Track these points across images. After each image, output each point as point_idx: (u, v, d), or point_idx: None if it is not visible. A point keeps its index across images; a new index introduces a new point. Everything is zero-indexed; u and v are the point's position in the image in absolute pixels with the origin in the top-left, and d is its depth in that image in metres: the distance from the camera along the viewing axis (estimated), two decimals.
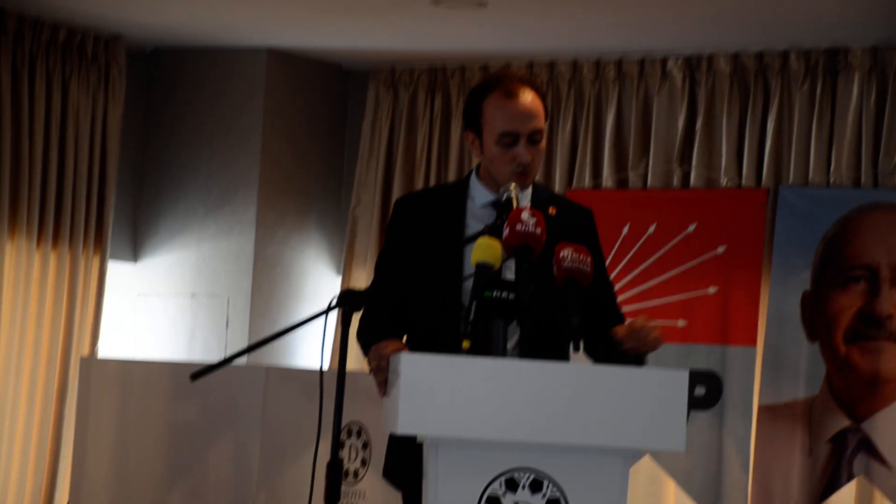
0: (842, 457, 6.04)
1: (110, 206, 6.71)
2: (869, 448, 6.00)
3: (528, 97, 3.45)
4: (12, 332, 6.25)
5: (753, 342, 6.23)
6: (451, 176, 7.07)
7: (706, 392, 6.24)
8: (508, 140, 3.44)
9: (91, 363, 5.48)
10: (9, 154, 6.25)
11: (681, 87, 6.70)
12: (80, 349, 6.50)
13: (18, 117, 6.33)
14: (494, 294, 3.16)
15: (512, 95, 3.44)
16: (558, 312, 3.24)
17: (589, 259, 3.27)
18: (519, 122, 3.43)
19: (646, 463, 6.32)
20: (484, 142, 3.49)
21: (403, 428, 3.01)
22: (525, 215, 3.24)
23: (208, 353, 6.84)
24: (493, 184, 3.52)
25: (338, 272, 7.34)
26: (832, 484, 6.05)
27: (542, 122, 3.46)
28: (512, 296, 3.17)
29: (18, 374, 6.26)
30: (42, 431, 6.31)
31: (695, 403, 6.18)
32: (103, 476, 5.19)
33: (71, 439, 6.01)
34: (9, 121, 6.26)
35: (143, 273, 7.10)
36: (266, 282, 6.97)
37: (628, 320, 3.41)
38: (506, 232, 3.24)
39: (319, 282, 7.26)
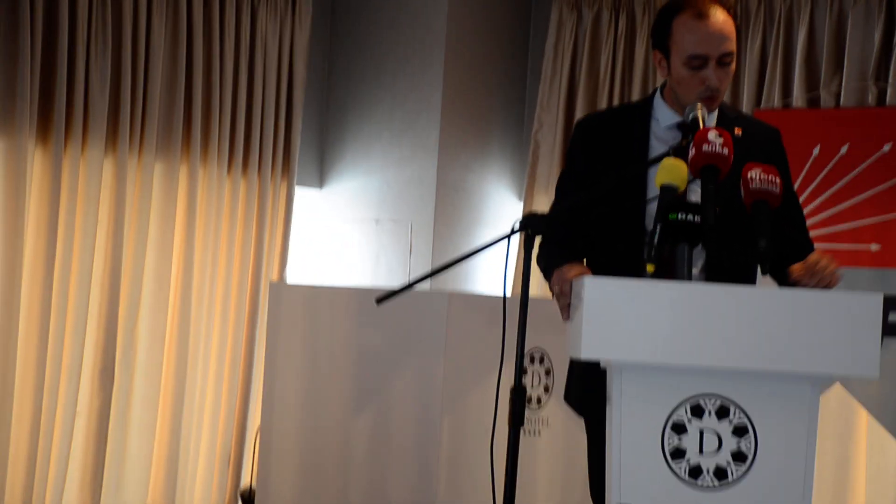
0: None
1: (297, 133, 6.79)
2: None
3: (719, 18, 3.36)
4: (205, 258, 6.39)
5: None
6: (635, 98, 6.94)
7: None
8: (697, 63, 3.36)
9: (280, 288, 5.58)
10: (201, 82, 6.36)
11: None
12: (270, 274, 6.62)
13: (209, 45, 6.42)
14: (679, 216, 3.10)
15: (703, 16, 3.36)
16: (746, 235, 3.16)
17: (778, 180, 3.18)
18: (709, 44, 3.35)
19: (836, 391, 6.17)
20: (672, 62, 3.41)
21: (587, 353, 2.99)
22: (712, 135, 3.17)
23: (392, 279, 6.90)
24: (679, 105, 3.44)
25: (519, 197, 7.31)
26: None
27: (732, 45, 3.37)
28: (698, 218, 3.10)
29: (211, 298, 6.41)
30: (234, 354, 6.47)
31: (890, 330, 5.99)
32: (293, 400, 5.30)
33: (262, 362, 6.15)
34: (201, 49, 6.36)
35: (328, 199, 7.18)
36: (448, 207, 6.98)
37: (807, 257, 3.30)
38: (691, 152, 3.17)
39: (501, 207, 7.25)
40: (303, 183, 7.03)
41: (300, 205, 6.95)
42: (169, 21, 6.27)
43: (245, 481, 6.43)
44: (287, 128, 6.75)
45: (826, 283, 3.23)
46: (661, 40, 3.44)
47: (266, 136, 6.63)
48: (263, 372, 5.51)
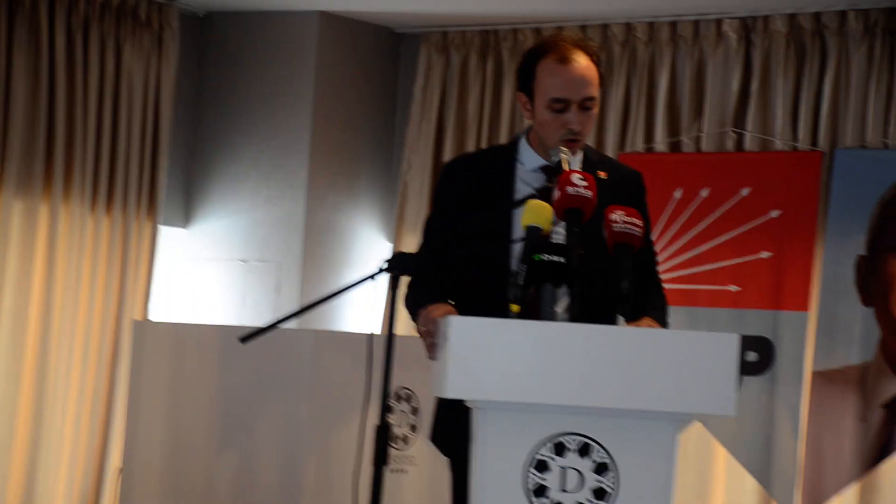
0: (895, 422, 5.98)
1: (163, 172, 6.74)
2: None
3: (581, 63, 3.42)
4: (66, 296, 6.30)
5: (807, 307, 6.17)
6: (503, 140, 7.03)
7: (758, 358, 6.19)
8: (559, 106, 3.41)
9: (144, 326, 5.51)
10: (63, 118, 6.28)
11: (736, 48, 6.62)
12: (133, 313, 6.54)
13: (72, 82, 6.35)
14: (544, 257, 3.14)
15: (565, 61, 3.41)
16: (608, 276, 3.21)
17: (640, 223, 3.24)
18: (571, 88, 3.40)
19: (696, 429, 6.29)
20: (535, 106, 3.46)
21: (452, 392, 3.01)
22: (576, 178, 3.22)
23: (260, 319, 6.87)
24: (543, 148, 3.49)
25: (388, 237, 7.34)
26: (885, 450, 6.00)
27: (594, 90, 3.42)
28: (562, 259, 3.15)
29: (72, 337, 6.32)
30: (96, 395, 6.37)
31: (747, 369, 6.13)
32: (156, 439, 5.23)
33: (124, 402, 6.06)
34: (63, 85, 6.28)
35: (194, 238, 7.13)
36: (317, 247, 6.98)
37: (640, 320, 3.33)
38: (556, 195, 3.22)
39: (370, 247, 7.26)
40: (168, 222, 6.97)
41: (166, 244, 6.89)
42: (30, 56, 6.19)
43: None
44: (152, 166, 6.69)
45: None
46: (525, 84, 3.49)
47: (131, 175, 6.56)
48: (126, 411, 5.43)
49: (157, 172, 6.70)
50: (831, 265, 6.15)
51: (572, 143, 3.42)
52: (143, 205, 6.64)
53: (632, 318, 3.22)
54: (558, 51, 3.42)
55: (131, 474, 5.30)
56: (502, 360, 2.99)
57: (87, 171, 6.39)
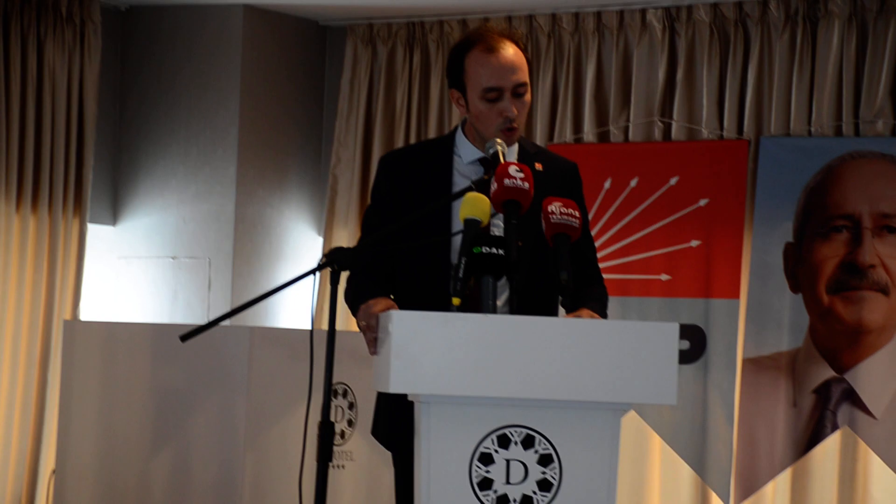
0: (826, 407, 6.07)
1: (89, 169, 6.66)
2: (853, 398, 6.02)
3: (509, 51, 3.44)
4: None
5: (737, 295, 6.23)
6: (432, 132, 7.03)
7: (690, 346, 6.25)
8: (493, 95, 3.43)
9: (74, 326, 5.45)
10: None
11: (661, 38, 6.67)
12: (63, 313, 6.46)
13: None
14: (483, 250, 3.14)
15: (493, 50, 3.43)
16: (547, 267, 3.23)
17: (577, 213, 3.26)
18: (502, 76, 3.42)
19: (631, 418, 6.34)
20: (469, 99, 3.47)
21: (395, 387, 3.00)
22: (513, 170, 3.22)
23: (191, 315, 6.82)
24: (480, 140, 3.50)
25: (319, 232, 7.31)
26: (817, 435, 6.08)
27: (525, 75, 3.45)
28: (501, 251, 3.15)
29: (1, 338, 6.23)
30: (26, 396, 6.29)
31: (679, 357, 6.19)
32: (89, 439, 5.18)
33: (56, 403, 5.99)
34: None
35: (123, 236, 7.06)
36: (247, 242, 6.94)
37: (579, 311, 3.35)
38: (494, 187, 3.22)
39: (301, 241, 7.24)
40: (96, 220, 6.90)
41: (94, 242, 6.81)
42: None
43: None
44: (78, 163, 6.61)
45: None
46: (456, 79, 3.50)
47: (56, 172, 6.48)
48: (58, 412, 5.37)
49: (84, 169, 6.63)
50: (760, 253, 6.22)
51: (509, 131, 3.44)
52: (70, 202, 6.56)
53: (572, 310, 3.23)
54: (485, 41, 3.45)
55: (64, 476, 5.24)
56: (445, 355, 2.99)
57: (11, 169, 6.30)
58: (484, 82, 3.42)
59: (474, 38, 3.47)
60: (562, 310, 3.34)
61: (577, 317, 3.27)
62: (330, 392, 3.09)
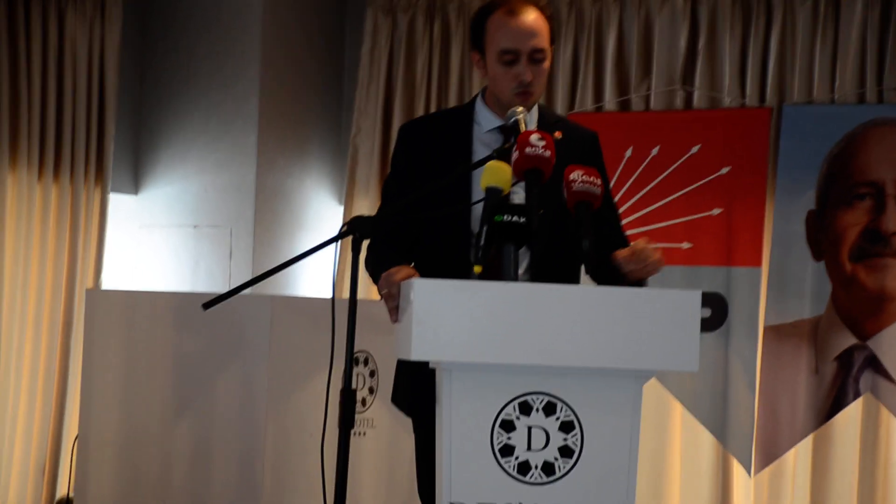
0: (848, 375, 6.05)
1: (110, 138, 6.67)
2: (875, 365, 6.01)
3: (530, 15, 3.45)
4: (16, 266, 6.24)
5: (759, 263, 6.21)
6: (452, 102, 7.02)
7: (711, 313, 6.24)
8: (509, 57, 3.44)
9: (96, 295, 5.47)
10: (7, 87, 6.20)
11: (682, 6, 6.63)
12: (84, 281, 6.49)
13: (15, 49, 6.26)
14: (505, 218, 3.14)
15: (513, 13, 3.45)
16: (569, 235, 3.22)
17: (599, 181, 3.25)
18: (520, 39, 3.43)
19: (652, 385, 6.34)
20: (487, 60, 3.48)
21: (417, 354, 3.01)
22: (534, 138, 3.22)
23: (212, 284, 6.83)
24: (499, 108, 3.50)
25: (339, 201, 7.32)
26: (838, 402, 6.07)
27: (544, 41, 3.45)
28: (522, 219, 3.15)
29: (24, 307, 6.26)
30: (49, 363, 6.32)
31: (700, 325, 6.18)
32: (112, 407, 5.21)
33: (78, 372, 6.02)
34: (6, 53, 6.20)
35: (144, 205, 7.07)
36: (268, 211, 6.95)
37: (635, 243, 3.39)
38: (515, 155, 3.22)
39: (321, 210, 7.24)
40: (117, 189, 6.91)
41: (116, 211, 6.83)
42: None
43: (62, 491, 6.29)
44: (100, 133, 6.62)
45: (648, 268, 3.30)
46: (477, 40, 3.52)
47: (78, 142, 6.49)
48: (80, 379, 5.40)
49: (105, 139, 6.64)
50: (782, 220, 6.20)
51: (524, 94, 3.44)
52: (92, 172, 6.58)
53: (596, 276, 3.23)
54: (507, 4, 3.48)
55: (88, 443, 5.27)
56: (466, 322, 3.00)
57: (33, 139, 6.31)
58: (502, 44, 3.44)
59: (498, 1, 3.48)
60: (584, 276, 3.34)
61: (633, 247, 3.26)
62: (352, 360, 3.10)
